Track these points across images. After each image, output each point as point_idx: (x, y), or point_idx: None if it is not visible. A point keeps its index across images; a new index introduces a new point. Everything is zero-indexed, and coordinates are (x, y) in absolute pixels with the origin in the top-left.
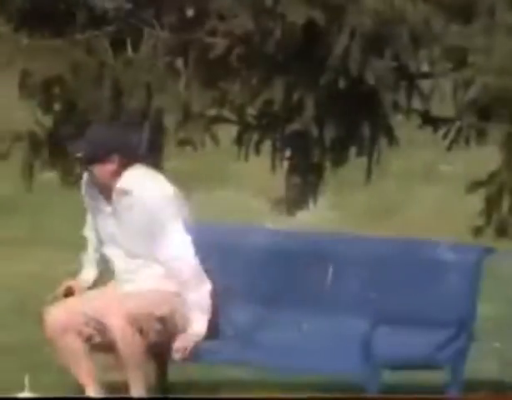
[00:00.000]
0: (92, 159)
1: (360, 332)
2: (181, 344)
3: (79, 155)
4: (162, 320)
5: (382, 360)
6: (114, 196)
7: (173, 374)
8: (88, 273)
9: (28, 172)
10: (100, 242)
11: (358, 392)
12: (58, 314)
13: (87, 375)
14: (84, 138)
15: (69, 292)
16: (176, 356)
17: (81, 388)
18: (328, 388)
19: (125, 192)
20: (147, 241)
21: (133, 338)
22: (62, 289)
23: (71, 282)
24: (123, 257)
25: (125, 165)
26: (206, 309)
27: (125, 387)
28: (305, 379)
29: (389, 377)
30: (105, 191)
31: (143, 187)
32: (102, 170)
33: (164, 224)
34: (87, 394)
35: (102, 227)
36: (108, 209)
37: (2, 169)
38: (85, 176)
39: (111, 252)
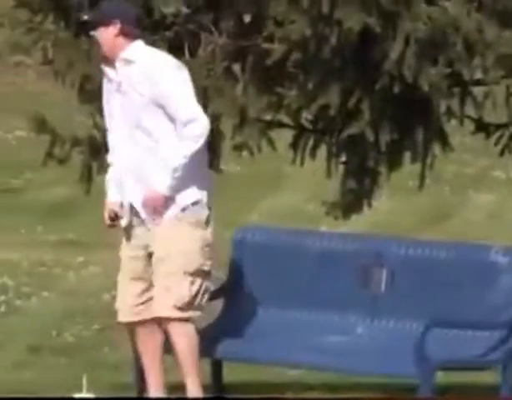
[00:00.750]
0: (96, 22)
1: (414, 335)
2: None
3: (86, 17)
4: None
5: (435, 361)
6: (118, 66)
7: (228, 375)
8: (115, 194)
9: (87, 175)
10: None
11: (412, 393)
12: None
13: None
14: (95, 8)
15: (114, 216)
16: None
17: (139, 388)
18: (383, 389)
19: (129, 62)
20: (155, 113)
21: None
22: (106, 218)
23: (110, 208)
24: (129, 144)
25: (127, 34)
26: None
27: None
28: (361, 380)
29: (442, 378)
30: (109, 62)
31: (147, 56)
32: (106, 33)
33: (172, 89)
34: (149, 394)
35: (109, 109)
36: (114, 86)
37: (62, 173)
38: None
39: (116, 137)
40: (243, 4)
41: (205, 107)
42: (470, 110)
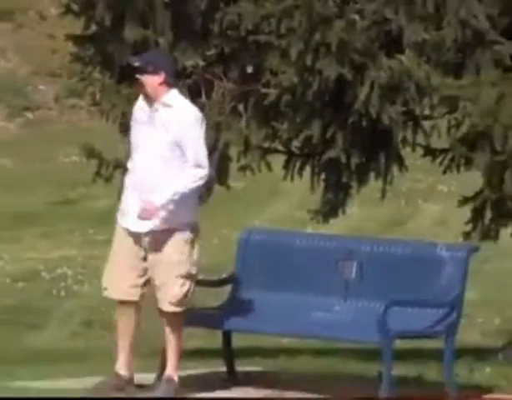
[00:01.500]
0: (145, 70)
1: (378, 312)
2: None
3: (137, 64)
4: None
5: (394, 332)
6: (157, 106)
7: (236, 342)
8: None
9: None
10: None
11: (376, 357)
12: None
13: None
14: (142, 55)
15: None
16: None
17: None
18: (354, 353)
19: (168, 105)
20: (173, 148)
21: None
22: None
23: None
24: (148, 163)
25: (168, 83)
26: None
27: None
28: (338, 346)
29: (400, 345)
30: (149, 101)
31: (182, 104)
32: (152, 80)
33: (193, 137)
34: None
35: (136, 135)
36: (145, 118)
37: (107, 188)
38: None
39: (138, 157)
40: (246, 58)
41: (217, 138)
42: (421, 139)
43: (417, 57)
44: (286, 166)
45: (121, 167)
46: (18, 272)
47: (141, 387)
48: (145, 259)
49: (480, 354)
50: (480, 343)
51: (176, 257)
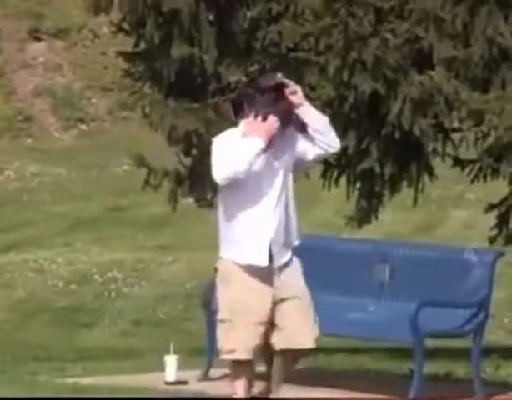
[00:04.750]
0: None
1: (410, 312)
2: None
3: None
4: None
5: (425, 331)
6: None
7: None
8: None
9: (173, 198)
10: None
11: (409, 355)
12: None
13: None
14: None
15: None
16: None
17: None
18: (386, 351)
19: None
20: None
21: None
22: None
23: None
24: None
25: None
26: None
27: None
28: (373, 345)
29: (430, 343)
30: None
31: None
32: None
33: None
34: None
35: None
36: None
37: (156, 196)
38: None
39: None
40: (286, 74)
41: None
42: (450, 149)
43: (446, 73)
44: (324, 175)
45: (168, 175)
46: (72, 275)
47: None
48: None
49: (506, 353)
50: (506, 342)
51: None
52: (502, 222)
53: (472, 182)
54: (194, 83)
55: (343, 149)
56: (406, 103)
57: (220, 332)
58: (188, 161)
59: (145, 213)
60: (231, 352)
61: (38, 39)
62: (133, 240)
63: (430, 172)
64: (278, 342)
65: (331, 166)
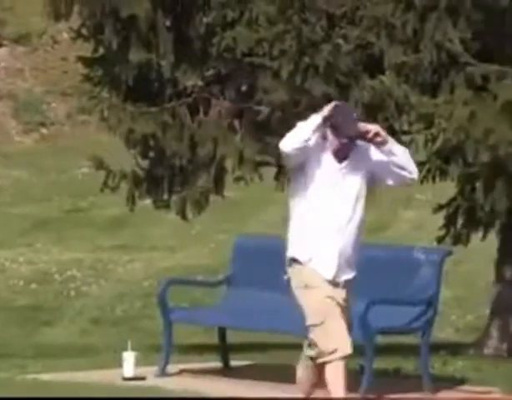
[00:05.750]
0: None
1: (360, 310)
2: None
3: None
4: None
5: (374, 328)
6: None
7: (230, 337)
8: None
9: (131, 199)
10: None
11: (359, 351)
12: None
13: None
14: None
15: None
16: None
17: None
18: None
19: None
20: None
21: None
22: None
23: None
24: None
25: None
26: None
27: None
28: None
29: (380, 340)
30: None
31: None
32: None
33: None
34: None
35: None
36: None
37: (114, 197)
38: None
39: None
40: (241, 78)
41: (214, 152)
42: None
43: (397, 78)
44: (277, 177)
45: (126, 178)
46: (32, 275)
47: None
48: None
49: (453, 349)
50: (453, 339)
51: None
52: (450, 222)
53: (421, 183)
54: (151, 88)
55: None
56: (357, 107)
57: (315, 337)
58: (145, 163)
59: (104, 214)
60: (334, 352)
61: (0, 44)
62: (92, 240)
63: None
64: None
65: (284, 168)
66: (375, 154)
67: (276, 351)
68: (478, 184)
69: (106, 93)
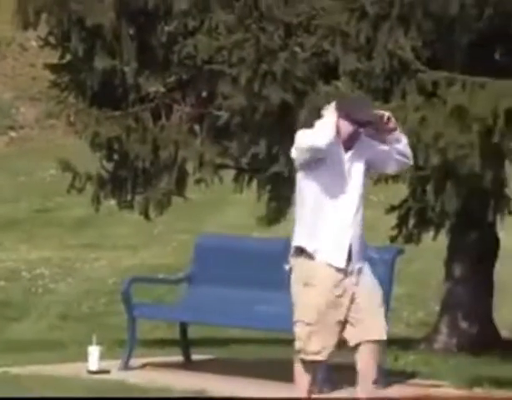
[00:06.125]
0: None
1: None
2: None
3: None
4: None
5: None
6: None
7: (191, 333)
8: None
9: (96, 200)
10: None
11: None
12: None
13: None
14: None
15: None
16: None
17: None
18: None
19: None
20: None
21: None
22: None
23: None
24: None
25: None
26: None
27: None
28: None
29: None
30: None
31: None
32: (356, 133)
33: None
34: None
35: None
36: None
37: (80, 198)
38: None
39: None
40: (201, 85)
41: (176, 155)
42: None
43: (351, 84)
44: (236, 179)
45: (91, 179)
46: (1, 272)
47: None
48: None
49: (405, 344)
50: (405, 334)
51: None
52: (402, 222)
53: (375, 184)
54: (116, 93)
55: (255, 155)
56: (313, 113)
57: (302, 333)
58: (109, 166)
59: (70, 215)
60: (317, 353)
61: None
62: (59, 239)
63: None
64: (353, 336)
65: (243, 170)
66: (375, 143)
67: (235, 345)
68: (428, 186)
69: (72, 98)
